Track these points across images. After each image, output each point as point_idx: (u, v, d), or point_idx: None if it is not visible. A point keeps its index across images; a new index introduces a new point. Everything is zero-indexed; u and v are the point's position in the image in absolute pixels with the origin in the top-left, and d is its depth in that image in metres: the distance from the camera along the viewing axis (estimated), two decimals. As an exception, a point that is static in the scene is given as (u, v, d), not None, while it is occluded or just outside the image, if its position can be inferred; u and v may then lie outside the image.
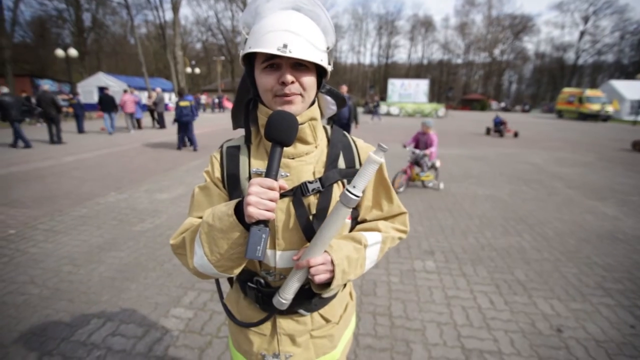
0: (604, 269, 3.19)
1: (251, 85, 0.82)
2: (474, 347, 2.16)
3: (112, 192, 5.30)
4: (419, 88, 29.97)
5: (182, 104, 9.10)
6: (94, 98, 19.99)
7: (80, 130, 12.33)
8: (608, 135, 15.27)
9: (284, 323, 0.89)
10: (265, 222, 0.67)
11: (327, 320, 0.93)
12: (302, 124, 0.80)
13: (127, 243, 3.52)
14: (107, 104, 12.37)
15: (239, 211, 0.70)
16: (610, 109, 25.19)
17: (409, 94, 29.83)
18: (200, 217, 0.82)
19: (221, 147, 0.90)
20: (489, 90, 55.22)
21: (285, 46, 0.70)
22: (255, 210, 0.64)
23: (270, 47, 0.70)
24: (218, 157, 0.88)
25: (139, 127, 14.31)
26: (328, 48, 0.80)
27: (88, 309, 2.45)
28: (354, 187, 0.70)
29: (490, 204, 5.10)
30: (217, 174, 0.86)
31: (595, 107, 25.21)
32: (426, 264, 3.23)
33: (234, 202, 0.73)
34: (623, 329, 2.35)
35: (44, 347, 2.07)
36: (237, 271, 0.77)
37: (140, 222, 4.09)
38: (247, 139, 0.86)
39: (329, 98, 0.91)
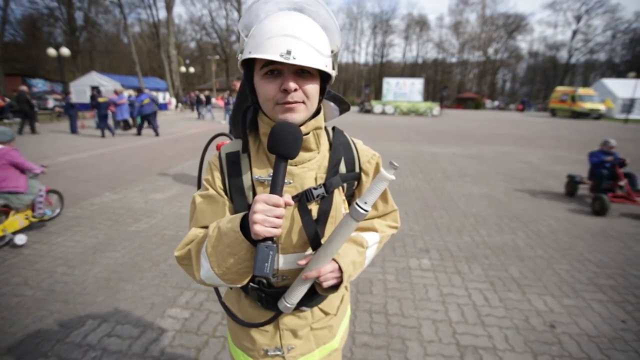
0: (596, 266, 3.23)
1: (250, 91, 0.79)
2: (469, 344, 2.18)
3: (107, 192, 5.26)
4: (414, 87, 30.06)
5: (101, 100, 11.41)
6: (87, 98, 19.78)
7: (74, 130, 12.16)
8: (601, 133, 15.43)
9: (286, 319, 0.90)
10: (272, 239, 0.65)
11: (326, 313, 0.95)
12: (307, 134, 0.78)
13: (122, 243, 3.50)
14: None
15: (245, 226, 0.68)
16: (602, 107, 25.51)
17: (404, 92, 29.91)
18: (205, 227, 0.80)
19: (219, 152, 0.87)
20: (483, 89, 55.52)
21: (289, 52, 0.65)
22: (262, 228, 0.63)
23: (272, 52, 0.66)
24: (217, 163, 0.85)
25: (127, 127, 13.40)
26: (332, 51, 0.75)
27: (83, 310, 2.43)
28: (365, 202, 0.70)
29: (485, 203, 5.14)
30: (219, 182, 0.83)
31: (588, 105, 25.51)
32: (421, 262, 3.26)
33: (238, 217, 0.70)
34: (615, 324, 2.39)
35: (39, 349, 2.05)
36: (244, 282, 0.75)
37: (136, 223, 4.07)
38: (244, 149, 0.82)
39: (332, 104, 0.90)
